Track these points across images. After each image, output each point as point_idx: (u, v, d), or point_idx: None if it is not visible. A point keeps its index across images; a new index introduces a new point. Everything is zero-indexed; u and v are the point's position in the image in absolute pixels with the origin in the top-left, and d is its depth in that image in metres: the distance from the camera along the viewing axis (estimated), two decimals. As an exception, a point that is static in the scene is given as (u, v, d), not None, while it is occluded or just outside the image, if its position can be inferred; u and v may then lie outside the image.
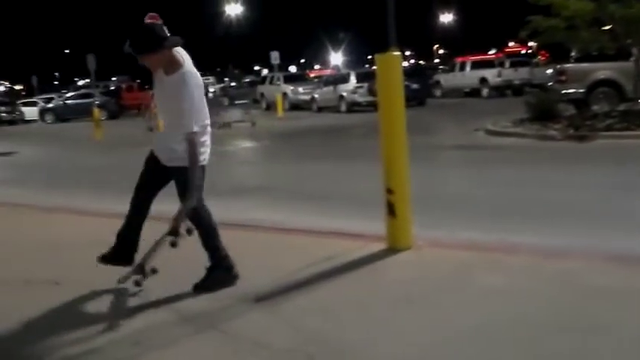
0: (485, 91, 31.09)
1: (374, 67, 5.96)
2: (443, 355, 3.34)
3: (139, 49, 4.23)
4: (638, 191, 7.34)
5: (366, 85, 25.48)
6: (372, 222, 5.52)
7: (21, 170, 15.11)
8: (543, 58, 45.38)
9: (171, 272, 4.62)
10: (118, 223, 4.68)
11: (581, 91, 16.57)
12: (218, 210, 4.66)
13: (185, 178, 4.22)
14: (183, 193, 4.28)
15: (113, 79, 60.27)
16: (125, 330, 3.92)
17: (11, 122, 37.73)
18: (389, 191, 5.12)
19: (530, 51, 49.62)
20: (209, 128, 4.50)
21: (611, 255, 4.72)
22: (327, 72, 45.69)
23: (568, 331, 3.46)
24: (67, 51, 79.99)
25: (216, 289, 4.43)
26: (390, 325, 3.72)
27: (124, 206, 4.60)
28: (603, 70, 16.50)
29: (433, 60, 78.41)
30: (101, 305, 4.37)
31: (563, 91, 16.84)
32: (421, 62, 78.20)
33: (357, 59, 63.23)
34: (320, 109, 28.90)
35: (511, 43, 62.26)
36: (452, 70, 34.46)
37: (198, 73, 4.40)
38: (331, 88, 28.44)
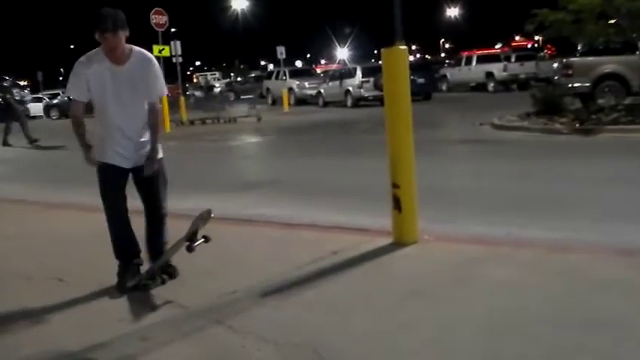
0: (491, 86, 31.01)
1: (380, 62, 5.94)
2: (448, 348, 3.34)
3: (121, 24, 4.23)
4: (644, 185, 7.31)
5: (372, 79, 25.43)
6: (379, 216, 5.53)
7: (24, 167, 15.15)
8: (549, 52, 45.29)
9: (178, 268, 4.67)
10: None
11: (587, 84, 16.52)
12: (225, 204, 4.67)
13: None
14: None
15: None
16: (132, 325, 3.94)
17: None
18: (395, 186, 5.12)
19: (536, 45, 49.53)
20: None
21: (618, 248, 4.72)
22: (333, 67, 45.55)
23: (576, 324, 3.46)
24: (72, 46, 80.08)
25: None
26: (397, 319, 3.73)
27: (130, 202, 4.59)
28: (609, 64, 16.43)
29: (439, 54, 78.37)
30: (107, 301, 4.38)
31: (569, 85, 16.80)
32: (427, 56, 78.17)
33: (364, 54, 63.03)
34: (326, 104, 28.83)
35: (517, 37, 62.17)
36: (458, 64, 34.35)
37: None
38: (337, 82, 28.36)
